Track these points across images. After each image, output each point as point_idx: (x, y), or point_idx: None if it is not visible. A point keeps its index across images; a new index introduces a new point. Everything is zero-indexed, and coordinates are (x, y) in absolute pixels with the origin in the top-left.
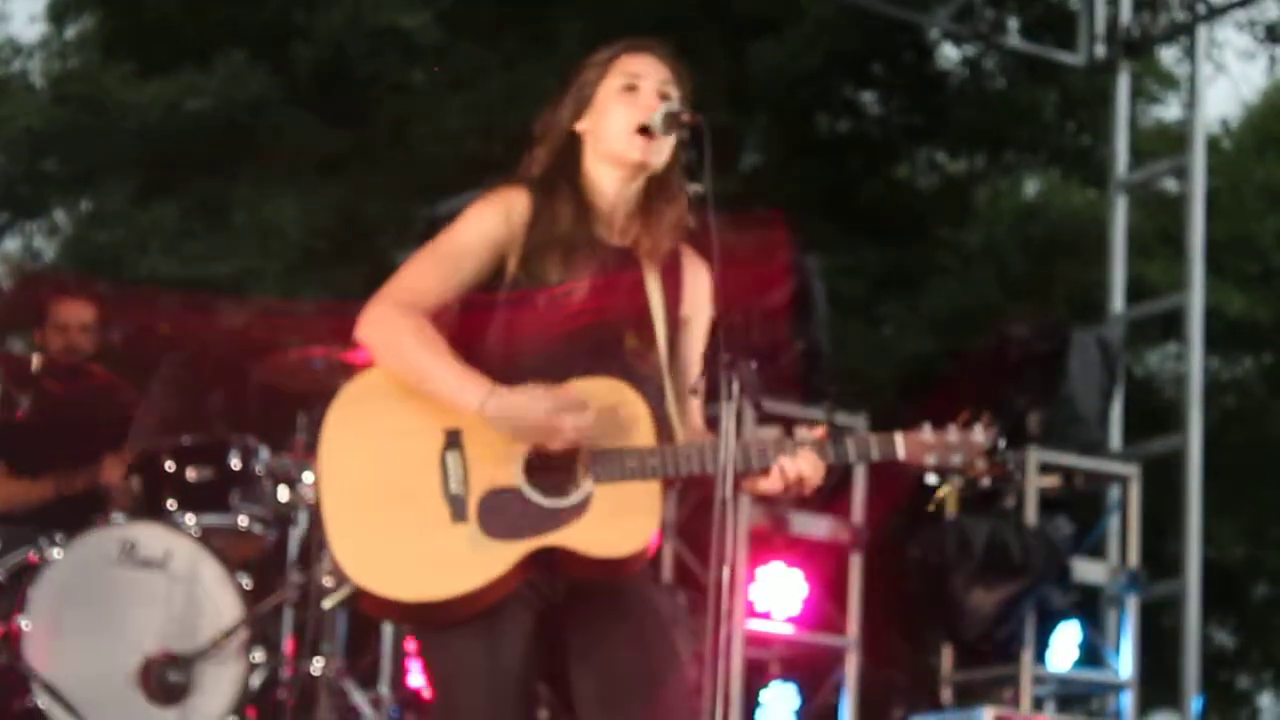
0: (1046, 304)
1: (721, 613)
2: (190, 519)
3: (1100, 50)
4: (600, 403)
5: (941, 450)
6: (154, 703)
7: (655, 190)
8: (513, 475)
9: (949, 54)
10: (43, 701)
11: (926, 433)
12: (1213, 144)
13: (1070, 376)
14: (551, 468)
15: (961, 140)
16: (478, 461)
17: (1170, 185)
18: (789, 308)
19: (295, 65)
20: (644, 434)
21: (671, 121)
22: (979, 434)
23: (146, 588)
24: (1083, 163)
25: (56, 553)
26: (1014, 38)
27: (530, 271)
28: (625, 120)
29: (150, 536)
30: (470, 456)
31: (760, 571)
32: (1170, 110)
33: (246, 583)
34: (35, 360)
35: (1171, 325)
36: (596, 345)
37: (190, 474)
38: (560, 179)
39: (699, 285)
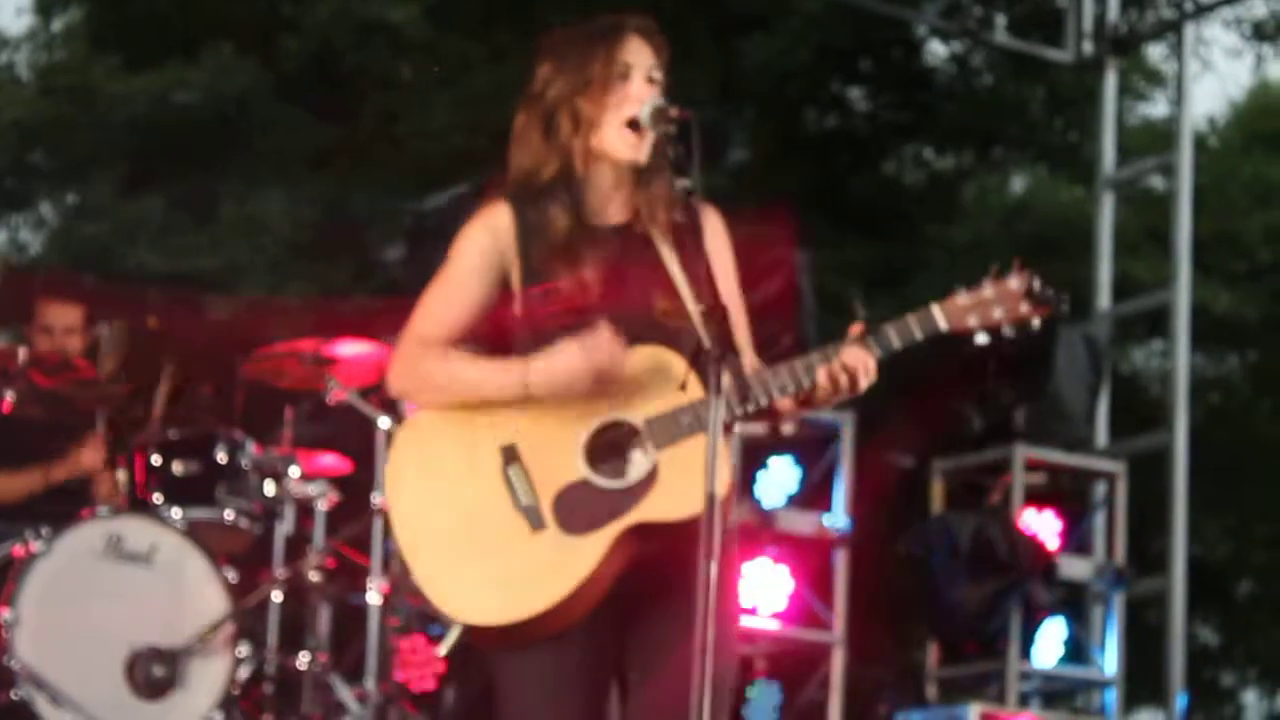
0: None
1: (710, 609)
2: (176, 512)
3: (1088, 47)
4: (641, 370)
5: (982, 309)
6: (140, 697)
7: (644, 170)
8: (577, 469)
9: (937, 50)
10: (28, 695)
11: (962, 296)
12: (1199, 141)
13: (1057, 373)
14: (613, 449)
15: (949, 137)
16: (539, 467)
17: (1157, 182)
18: (777, 303)
19: (283, 59)
20: (691, 388)
21: (659, 117)
22: (1014, 281)
23: (132, 581)
24: (1070, 160)
25: (42, 546)
26: (1002, 34)
27: (536, 277)
28: (616, 113)
29: (136, 530)
30: (531, 464)
31: (746, 567)
32: (1157, 108)
33: (232, 576)
34: (21, 354)
35: (1157, 322)
36: (625, 320)
37: (176, 467)
38: (550, 173)
39: (715, 233)
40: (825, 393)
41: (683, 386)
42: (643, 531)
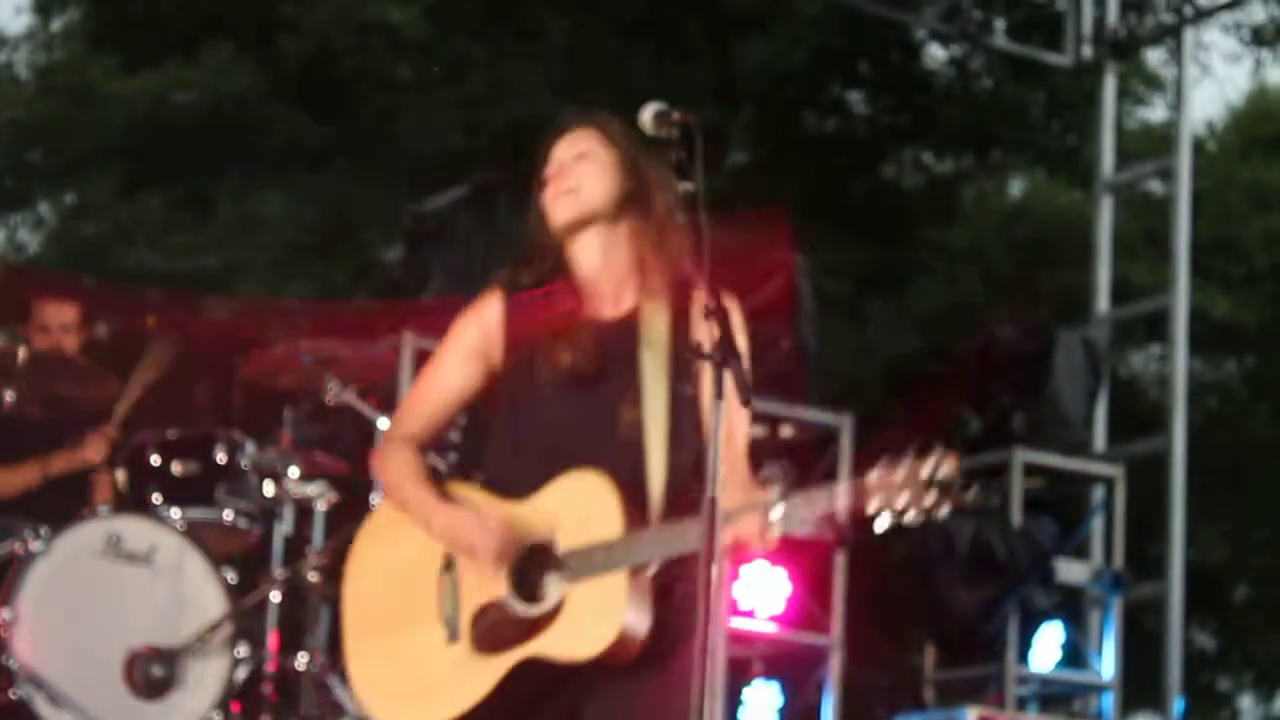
0: (1032, 304)
1: (711, 611)
2: (175, 513)
3: (1087, 51)
4: (578, 495)
5: (888, 492)
6: (138, 697)
7: (644, 244)
8: (499, 589)
9: (936, 54)
10: (27, 694)
11: (872, 476)
12: (1198, 146)
13: (1055, 377)
14: (534, 575)
15: (948, 140)
16: (469, 580)
17: (1156, 187)
18: (776, 306)
19: (282, 59)
20: (613, 525)
21: (661, 120)
22: (925, 467)
23: (131, 581)
24: (1068, 163)
25: (41, 546)
26: (1001, 38)
27: (520, 363)
28: (551, 198)
29: (135, 530)
30: (463, 576)
31: (744, 570)
32: (1156, 112)
33: (231, 577)
34: (20, 352)
35: (1156, 326)
36: (587, 426)
37: (176, 468)
38: (543, 269)
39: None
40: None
41: (607, 521)
42: (539, 664)
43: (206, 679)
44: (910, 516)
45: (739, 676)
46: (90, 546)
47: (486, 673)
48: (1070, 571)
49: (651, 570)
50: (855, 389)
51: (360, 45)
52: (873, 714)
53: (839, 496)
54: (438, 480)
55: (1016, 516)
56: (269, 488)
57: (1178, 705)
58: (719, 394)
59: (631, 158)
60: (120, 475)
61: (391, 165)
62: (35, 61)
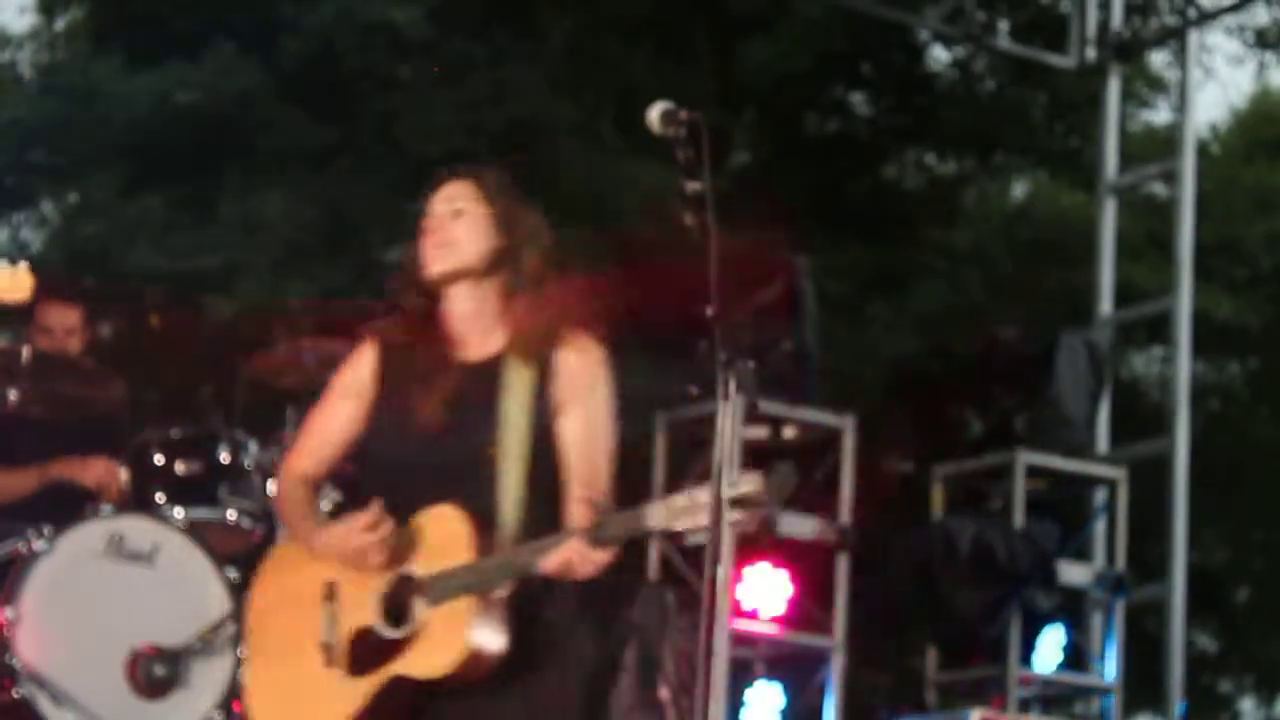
0: (1034, 306)
1: (716, 611)
2: (178, 512)
3: (1091, 53)
4: (430, 532)
5: (693, 512)
6: (141, 696)
7: (511, 296)
8: (371, 615)
9: (939, 55)
10: (29, 694)
11: (680, 498)
12: (1202, 148)
13: (1057, 379)
14: (400, 601)
15: (950, 141)
16: (347, 606)
17: (1159, 189)
18: (777, 308)
19: (284, 59)
20: (466, 553)
21: (668, 119)
22: (728, 488)
23: (134, 581)
24: (1071, 165)
25: (44, 545)
26: (1004, 40)
27: (392, 403)
28: (425, 250)
29: (138, 529)
30: (341, 603)
31: (747, 571)
32: (1160, 114)
33: (234, 576)
34: (25, 352)
35: (1159, 329)
36: (446, 462)
37: (179, 467)
38: (415, 315)
39: (573, 371)
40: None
41: (460, 548)
42: (403, 683)
43: (209, 679)
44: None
45: (741, 678)
46: (93, 546)
47: (356, 693)
48: (1072, 573)
49: (501, 593)
50: (857, 390)
51: (362, 46)
52: (874, 716)
53: (650, 517)
54: (334, 511)
55: (1018, 518)
56: (272, 487)
57: (1179, 707)
58: (726, 394)
59: (505, 214)
60: (123, 474)
61: (393, 165)
62: (38, 61)
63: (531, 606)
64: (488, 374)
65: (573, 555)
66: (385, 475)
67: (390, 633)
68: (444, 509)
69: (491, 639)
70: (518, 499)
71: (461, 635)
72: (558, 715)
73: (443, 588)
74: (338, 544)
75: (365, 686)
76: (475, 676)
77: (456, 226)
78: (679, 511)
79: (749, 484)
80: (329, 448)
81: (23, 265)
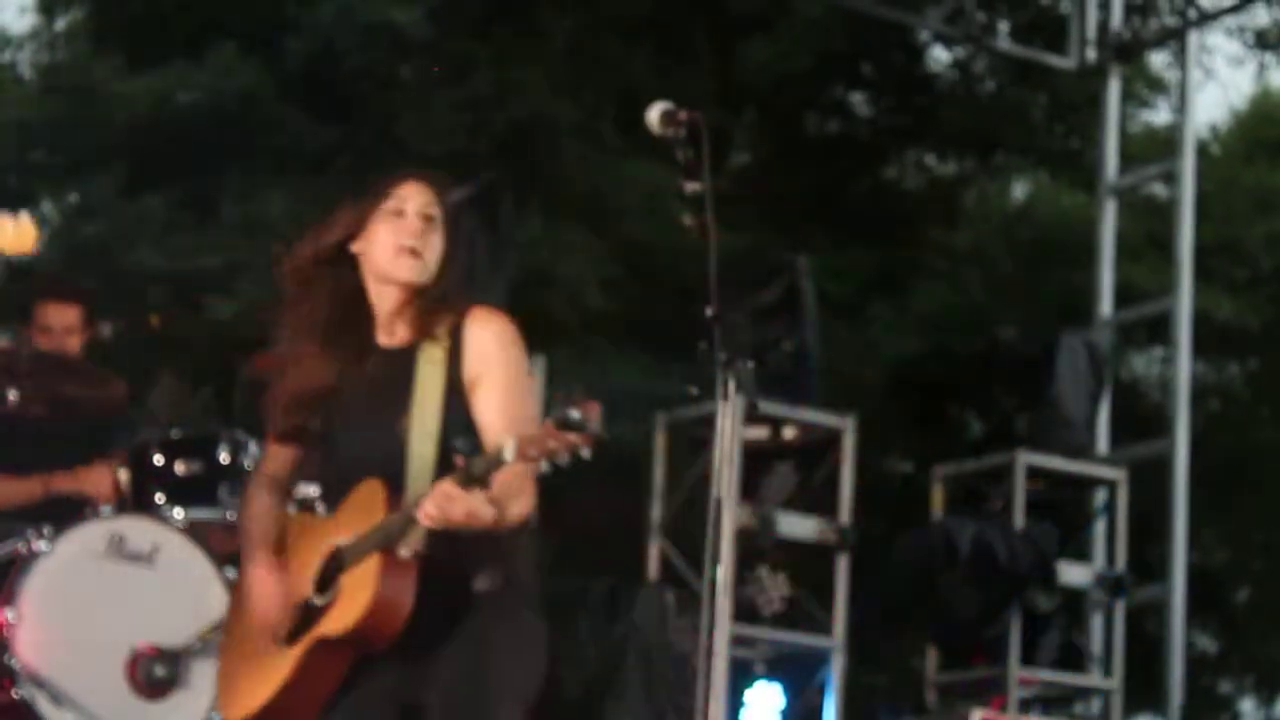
0: (1034, 307)
1: (715, 612)
2: (178, 512)
3: (1091, 54)
4: (357, 506)
5: (540, 442)
6: (141, 697)
7: (418, 295)
8: (308, 588)
9: (939, 56)
10: (29, 694)
11: (535, 429)
12: (1202, 149)
13: (1058, 380)
14: (331, 574)
15: (951, 142)
16: (291, 584)
17: (1159, 190)
18: (778, 308)
19: (285, 59)
20: (376, 517)
21: (668, 119)
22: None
23: (134, 581)
24: (1072, 166)
25: (44, 545)
26: (1004, 41)
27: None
28: (391, 240)
29: (138, 530)
30: (289, 582)
31: (747, 572)
32: (1160, 115)
33: (234, 577)
34: (24, 352)
35: (1159, 329)
36: (371, 440)
37: (179, 467)
38: (331, 299)
39: (481, 345)
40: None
41: (375, 515)
42: (329, 643)
43: (209, 679)
44: (561, 460)
45: (741, 678)
46: (93, 546)
47: (286, 661)
48: (1072, 574)
49: (407, 551)
50: (858, 390)
51: (363, 46)
52: (875, 717)
53: (506, 450)
54: (304, 508)
55: (1019, 519)
56: None
57: (1179, 708)
58: (724, 395)
59: (450, 227)
60: (123, 475)
61: (394, 166)
62: (39, 61)
63: (458, 572)
64: (402, 357)
65: (440, 498)
66: (332, 460)
67: (318, 600)
68: (369, 484)
69: (399, 593)
70: (427, 473)
71: (366, 590)
72: (474, 657)
73: (355, 550)
74: (250, 599)
75: (294, 652)
76: (387, 629)
77: (430, 235)
78: (532, 440)
79: (578, 410)
80: (282, 445)
81: (24, 215)
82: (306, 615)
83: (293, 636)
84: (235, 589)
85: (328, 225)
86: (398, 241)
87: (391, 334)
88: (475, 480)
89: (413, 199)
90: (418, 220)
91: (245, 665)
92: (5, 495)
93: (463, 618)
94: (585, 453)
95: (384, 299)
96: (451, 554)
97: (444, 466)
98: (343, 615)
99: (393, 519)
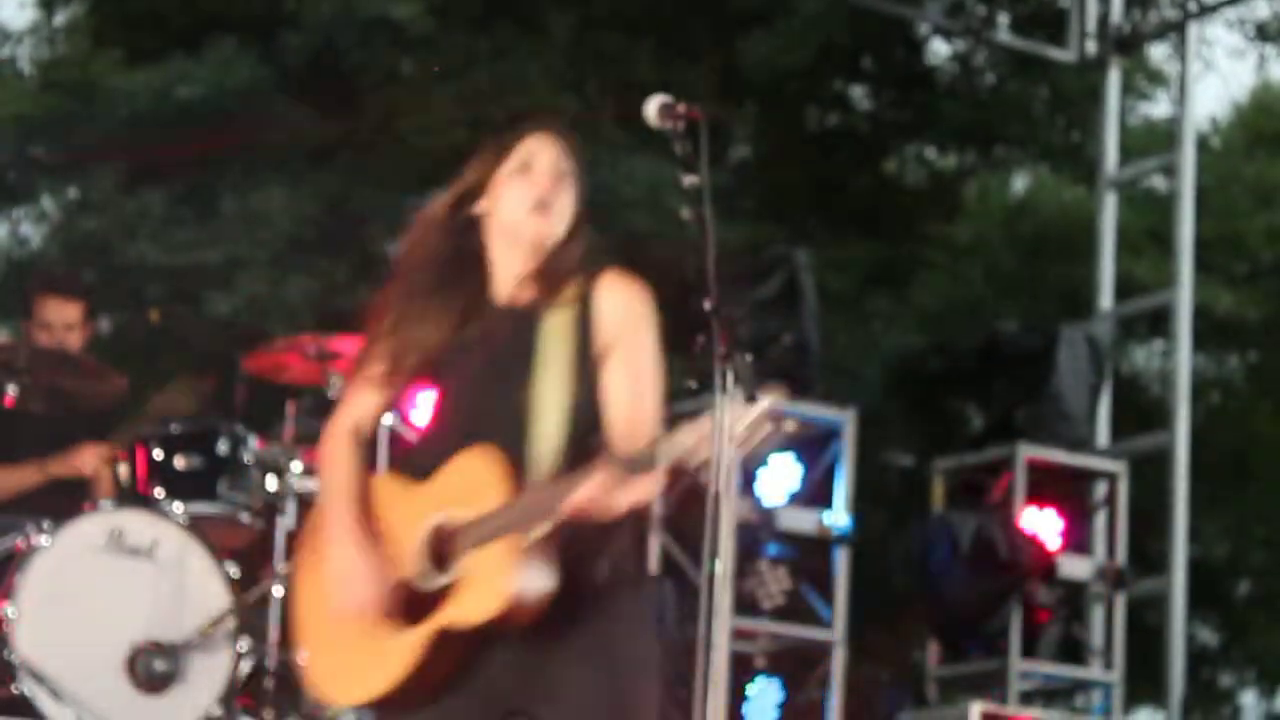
0: (1035, 300)
1: (714, 606)
2: (178, 507)
3: (1091, 47)
4: (462, 479)
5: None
6: (141, 691)
7: (546, 255)
8: (410, 565)
9: (939, 49)
10: (29, 689)
11: (684, 431)
12: (1202, 142)
13: (1058, 373)
14: (438, 552)
15: (951, 136)
16: (392, 558)
17: (1159, 183)
18: (778, 301)
19: (285, 54)
20: (498, 497)
21: (667, 113)
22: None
23: (133, 576)
24: (1072, 159)
25: (43, 540)
26: (1004, 33)
27: (424, 351)
28: (519, 198)
29: (137, 524)
30: (385, 558)
31: (747, 565)
32: (1160, 108)
33: (234, 571)
34: (24, 348)
35: (1159, 322)
36: (482, 407)
37: (178, 462)
38: (449, 258)
39: (614, 313)
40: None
41: (493, 493)
42: (451, 634)
43: (209, 674)
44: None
45: (741, 673)
46: (92, 541)
47: (406, 647)
48: (1073, 567)
49: (538, 535)
50: (859, 384)
51: (363, 40)
52: (875, 710)
53: (676, 444)
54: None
55: (1019, 512)
56: (272, 482)
57: (1180, 701)
58: (723, 388)
59: (582, 182)
60: (122, 469)
61: (394, 160)
62: (38, 56)
63: (582, 555)
64: (523, 317)
65: (598, 489)
66: (436, 421)
67: (431, 582)
68: (475, 455)
69: (533, 583)
70: (553, 448)
71: (502, 580)
72: (605, 670)
73: (478, 533)
74: (345, 584)
75: (414, 639)
76: (520, 621)
77: (560, 192)
78: (702, 436)
79: (756, 406)
80: (376, 405)
81: None
82: (417, 598)
83: (407, 620)
84: (303, 556)
85: (455, 184)
86: (527, 199)
87: (513, 297)
88: (635, 471)
89: (541, 154)
90: (547, 176)
91: (350, 648)
92: (3, 484)
93: (583, 611)
94: (783, 440)
95: (509, 261)
96: (572, 540)
97: (573, 445)
98: (473, 606)
99: (527, 505)
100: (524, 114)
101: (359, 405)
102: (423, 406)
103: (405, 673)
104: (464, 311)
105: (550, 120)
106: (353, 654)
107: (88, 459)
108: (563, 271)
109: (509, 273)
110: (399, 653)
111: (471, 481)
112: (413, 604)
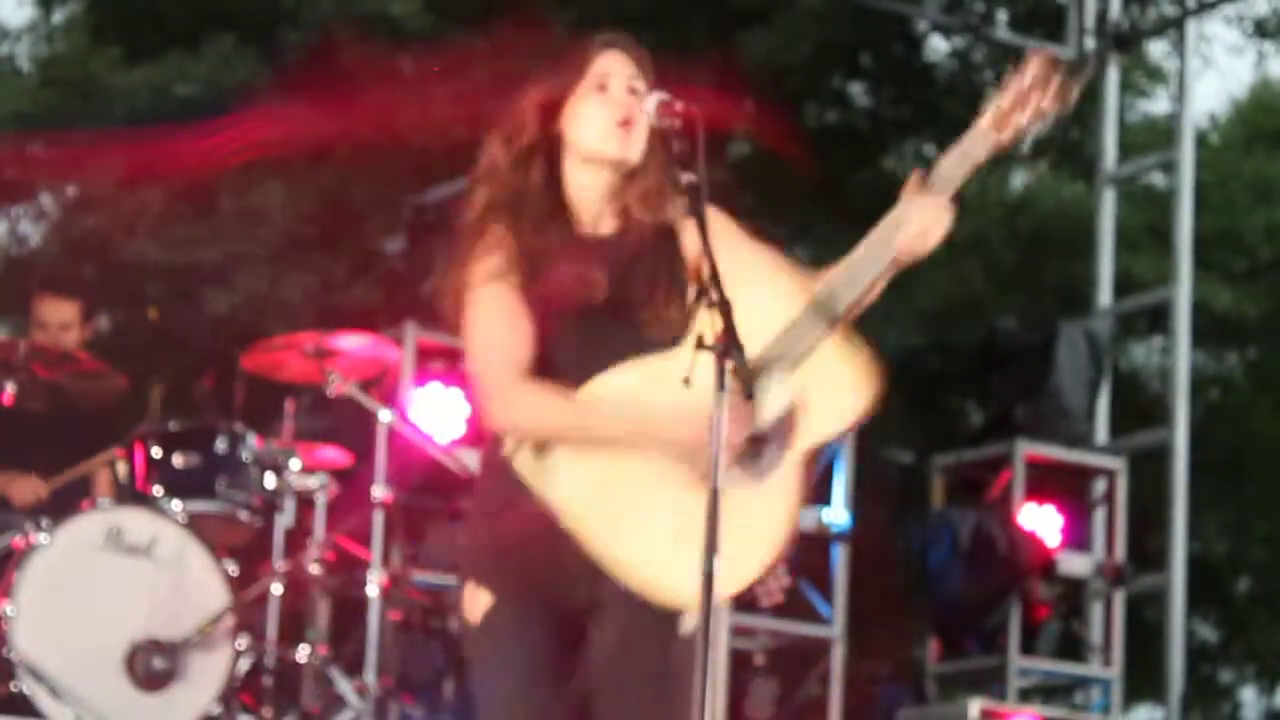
0: (1034, 297)
1: (711, 605)
2: (176, 505)
3: (1089, 44)
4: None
5: (1022, 102)
6: (140, 689)
7: (627, 179)
8: (740, 417)
9: (938, 46)
10: (28, 687)
11: (1002, 99)
12: (1201, 138)
13: (1057, 369)
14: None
15: (949, 132)
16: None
17: (1158, 179)
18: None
19: (283, 50)
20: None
21: (664, 110)
22: (1036, 64)
23: (132, 574)
24: (1071, 156)
25: (42, 538)
26: (1003, 30)
27: (532, 286)
28: (600, 118)
29: (136, 522)
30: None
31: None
32: (1159, 104)
33: (232, 569)
34: (22, 346)
35: (1158, 319)
36: (609, 333)
37: (177, 459)
38: (536, 187)
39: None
40: (907, 258)
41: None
42: (810, 455)
43: (208, 671)
44: (1050, 114)
45: (741, 669)
46: (91, 539)
47: (780, 489)
48: (1072, 564)
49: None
50: None
51: (361, 38)
52: (875, 707)
53: (987, 133)
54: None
55: (1018, 509)
56: (270, 480)
57: (1179, 698)
58: (721, 384)
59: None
60: (121, 467)
61: (392, 157)
62: (37, 54)
63: None
64: (625, 245)
65: (921, 219)
66: (545, 350)
67: (770, 417)
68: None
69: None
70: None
71: (850, 376)
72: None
73: (793, 349)
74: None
75: (785, 479)
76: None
77: (638, 110)
78: (1010, 112)
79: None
80: (528, 342)
81: None
82: (754, 445)
83: (758, 468)
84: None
85: (518, 109)
86: (608, 117)
87: (597, 224)
88: (946, 189)
89: (617, 72)
90: (624, 94)
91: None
92: (5, 490)
93: None
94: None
95: (591, 185)
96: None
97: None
98: (835, 414)
99: (829, 295)
100: (590, 34)
101: (521, 344)
102: (420, 405)
103: (789, 516)
104: (556, 241)
105: (622, 37)
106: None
107: (21, 490)
108: (648, 194)
109: (591, 198)
110: (778, 499)
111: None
112: (756, 451)
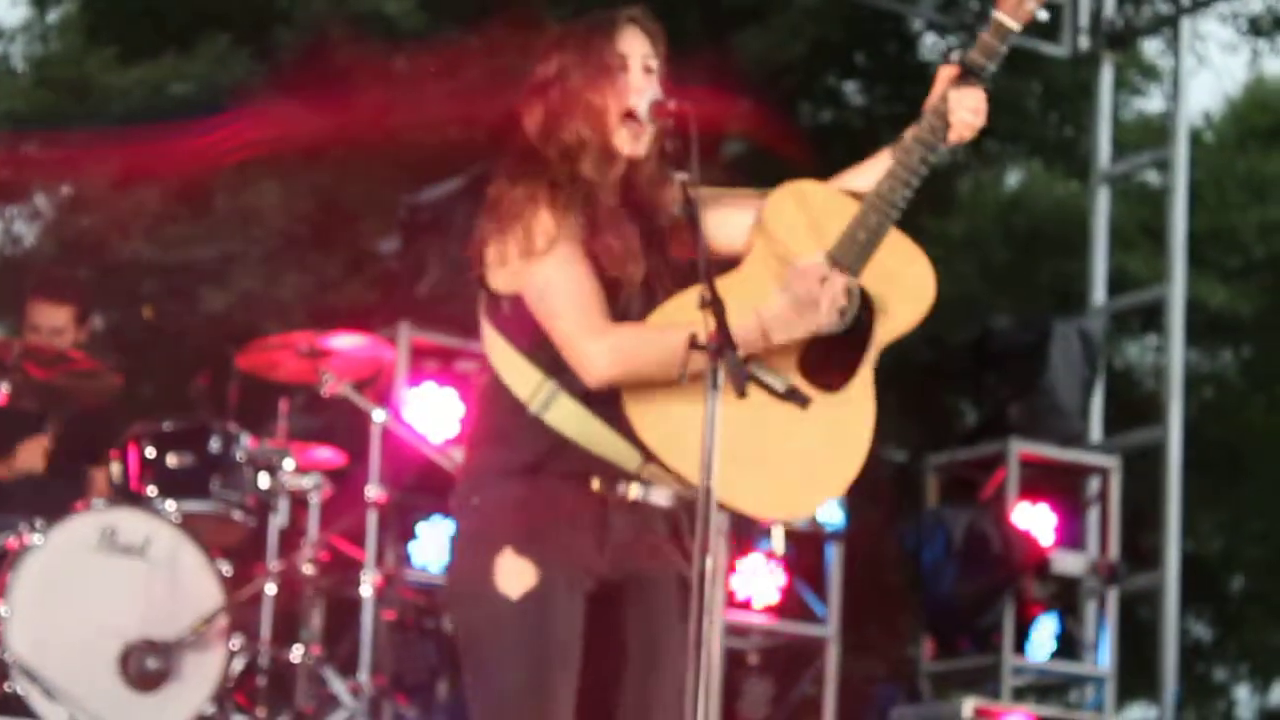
0: (1028, 295)
1: (705, 603)
2: (170, 505)
3: (1084, 42)
4: (784, 235)
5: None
6: (134, 689)
7: (633, 168)
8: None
9: (932, 44)
10: (22, 688)
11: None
12: (1195, 136)
13: (1051, 368)
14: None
15: None
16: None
17: (1152, 177)
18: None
19: (278, 50)
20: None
21: (657, 110)
22: None
23: (126, 574)
24: (1065, 154)
25: (36, 538)
26: None
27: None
28: (616, 107)
29: (130, 522)
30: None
31: (740, 562)
32: (1153, 102)
33: (226, 569)
34: (16, 345)
35: (1152, 317)
36: (642, 309)
37: (171, 460)
38: (578, 176)
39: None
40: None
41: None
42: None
43: (202, 671)
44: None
45: (735, 668)
46: (85, 539)
47: (860, 395)
48: (1066, 562)
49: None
50: None
51: (356, 36)
52: (869, 705)
53: (1007, 21)
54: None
55: (1012, 507)
56: (264, 480)
57: (1173, 696)
58: (713, 383)
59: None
60: (115, 467)
61: (387, 156)
62: (31, 53)
63: None
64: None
65: (973, 102)
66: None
67: (844, 323)
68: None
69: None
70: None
71: (917, 256)
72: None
73: (856, 250)
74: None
75: (862, 384)
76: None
77: (651, 90)
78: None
79: None
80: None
81: None
82: (832, 351)
83: (835, 381)
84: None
85: (535, 89)
86: (622, 105)
87: (614, 205)
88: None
89: (634, 52)
90: (641, 76)
91: (791, 452)
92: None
93: None
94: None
95: (607, 174)
96: None
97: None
98: (909, 307)
99: (881, 194)
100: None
101: (597, 300)
102: (414, 405)
103: (869, 415)
104: (595, 217)
105: (641, 13)
106: (810, 448)
107: (28, 455)
108: (656, 184)
109: (603, 179)
110: (860, 406)
111: (795, 234)
112: (835, 357)
